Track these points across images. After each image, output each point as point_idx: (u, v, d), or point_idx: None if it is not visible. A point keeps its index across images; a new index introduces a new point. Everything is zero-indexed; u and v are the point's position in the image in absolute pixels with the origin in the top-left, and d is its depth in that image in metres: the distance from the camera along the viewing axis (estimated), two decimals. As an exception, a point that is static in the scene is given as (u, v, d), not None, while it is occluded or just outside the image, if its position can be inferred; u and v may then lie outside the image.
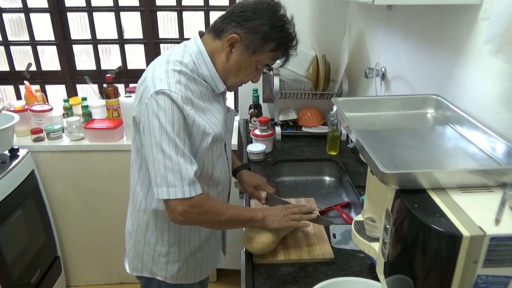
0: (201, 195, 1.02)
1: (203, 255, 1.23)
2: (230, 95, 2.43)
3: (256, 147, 1.79)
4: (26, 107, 2.13)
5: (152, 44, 2.35)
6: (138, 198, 1.15)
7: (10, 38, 2.35)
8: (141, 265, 1.20)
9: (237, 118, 2.31)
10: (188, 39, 1.14)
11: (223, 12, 1.09)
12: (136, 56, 2.42)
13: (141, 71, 2.56)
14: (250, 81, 1.15)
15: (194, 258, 1.21)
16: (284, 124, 2.12)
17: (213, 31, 1.09)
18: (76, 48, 2.39)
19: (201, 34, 1.12)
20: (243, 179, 1.36)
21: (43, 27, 2.32)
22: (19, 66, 2.41)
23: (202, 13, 2.32)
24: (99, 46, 2.39)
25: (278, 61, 1.14)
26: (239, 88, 2.23)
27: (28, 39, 2.34)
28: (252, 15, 1.03)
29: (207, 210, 1.04)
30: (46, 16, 2.28)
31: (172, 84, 0.99)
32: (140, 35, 2.35)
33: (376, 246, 0.94)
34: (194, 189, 1.00)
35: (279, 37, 1.05)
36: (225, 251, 1.39)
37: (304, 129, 2.07)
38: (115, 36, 2.35)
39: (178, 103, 0.97)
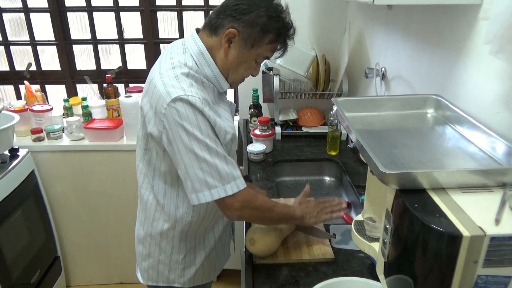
0: (248, 190, 1.02)
1: (216, 253, 1.23)
2: (230, 96, 2.43)
3: (256, 147, 1.79)
4: (26, 107, 2.12)
5: (152, 44, 2.35)
6: (150, 209, 1.14)
7: (10, 38, 2.35)
8: (156, 274, 1.18)
9: (237, 118, 2.31)
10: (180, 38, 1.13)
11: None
12: (136, 56, 2.42)
13: (141, 71, 2.58)
14: (250, 76, 1.13)
15: (209, 258, 1.21)
16: (284, 124, 2.12)
17: (208, 28, 1.06)
18: (76, 48, 2.39)
19: (197, 31, 1.10)
20: None
21: (43, 27, 2.32)
22: (19, 66, 2.41)
23: (202, 13, 2.32)
24: (99, 46, 2.38)
25: (276, 52, 1.11)
26: (239, 88, 2.24)
27: (28, 39, 2.34)
28: (248, 8, 1.00)
29: (259, 205, 1.05)
30: (46, 16, 2.28)
31: (186, 88, 0.96)
32: (140, 35, 2.35)
33: (376, 246, 0.94)
34: (236, 185, 0.99)
35: (277, 27, 1.03)
36: (234, 246, 1.39)
37: (304, 129, 2.07)
38: (115, 36, 2.35)
39: (198, 106, 0.95)
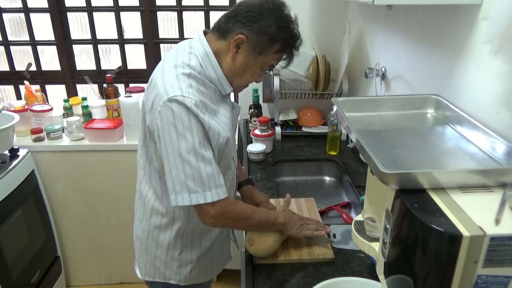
0: (228, 199, 1.02)
1: (212, 253, 1.23)
2: (230, 95, 2.43)
3: (256, 147, 1.79)
4: (26, 107, 2.12)
5: (152, 44, 2.35)
6: (149, 204, 1.14)
7: (10, 38, 2.35)
8: (153, 270, 1.19)
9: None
10: (188, 38, 1.13)
11: (223, 12, 1.08)
12: (136, 56, 2.42)
13: (141, 71, 2.57)
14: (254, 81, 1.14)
15: (205, 258, 1.21)
16: (284, 124, 2.12)
17: (217, 31, 1.07)
18: (76, 48, 2.39)
19: (204, 33, 1.10)
20: (245, 196, 1.36)
21: (43, 27, 2.32)
22: (19, 66, 2.41)
23: (202, 13, 2.32)
24: (99, 46, 2.39)
25: (281, 62, 1.13)
26: (239, 88, 2.24)
27: (28, 39, 2.34)
28: (258, 16, 1.01)
29: (237, 214, 1.06)
30: (46, 16, 2.28)
31: (184, 89, 0.97)
32: (140, 35, 2.35)
33: (376, 246, 0.94)
34: (217, 194, 0.99)
35: (285, 37, 1.05)
36: (237, 245, 1.39)
37: (304, 129, 2.08)
38: (115, 36, 2.35)
39: (193, 109, 0.95)
